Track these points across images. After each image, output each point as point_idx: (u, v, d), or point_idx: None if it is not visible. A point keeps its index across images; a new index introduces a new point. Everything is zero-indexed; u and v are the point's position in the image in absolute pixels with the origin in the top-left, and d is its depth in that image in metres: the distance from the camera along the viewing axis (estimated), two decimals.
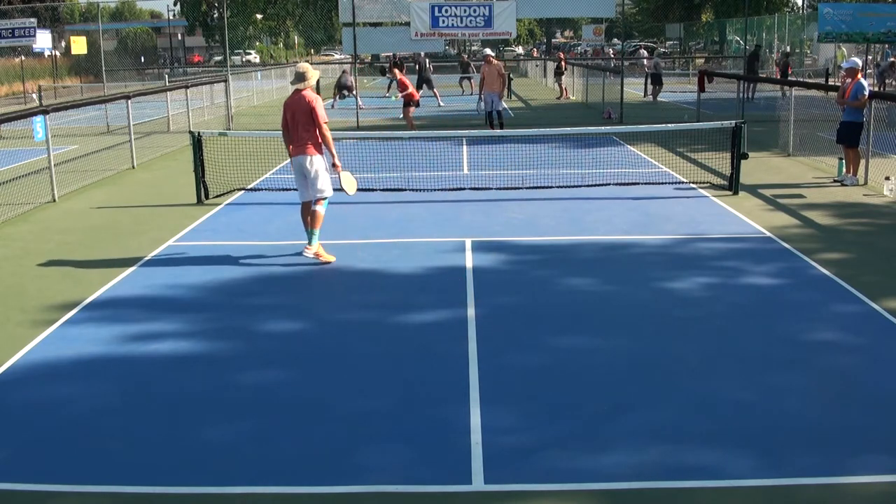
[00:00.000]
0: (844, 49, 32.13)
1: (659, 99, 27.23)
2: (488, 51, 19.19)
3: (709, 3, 59.42)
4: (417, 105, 18.75)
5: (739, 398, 4.97)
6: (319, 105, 7.92)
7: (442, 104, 25.94)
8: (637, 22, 72.43)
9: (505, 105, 17.64)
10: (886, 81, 27.24)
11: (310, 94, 7.91)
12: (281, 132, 8.17)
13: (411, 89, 18.73)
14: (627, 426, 4.64)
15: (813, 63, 39.59)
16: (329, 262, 7.94)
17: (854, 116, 11.66)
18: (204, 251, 8.59)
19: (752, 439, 4.46)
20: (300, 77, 7.88)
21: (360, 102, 23.09)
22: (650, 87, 27.97)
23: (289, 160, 8.23)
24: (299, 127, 7.89)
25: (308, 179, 7.98)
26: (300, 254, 7.98)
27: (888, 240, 8.84)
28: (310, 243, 7.94)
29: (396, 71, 19.54)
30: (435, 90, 27.26)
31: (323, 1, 59.38)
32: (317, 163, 7.94)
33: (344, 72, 26.37)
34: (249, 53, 66.45)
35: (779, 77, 26.46)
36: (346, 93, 24.87)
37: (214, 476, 4.20)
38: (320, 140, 7.96)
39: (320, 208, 7.99)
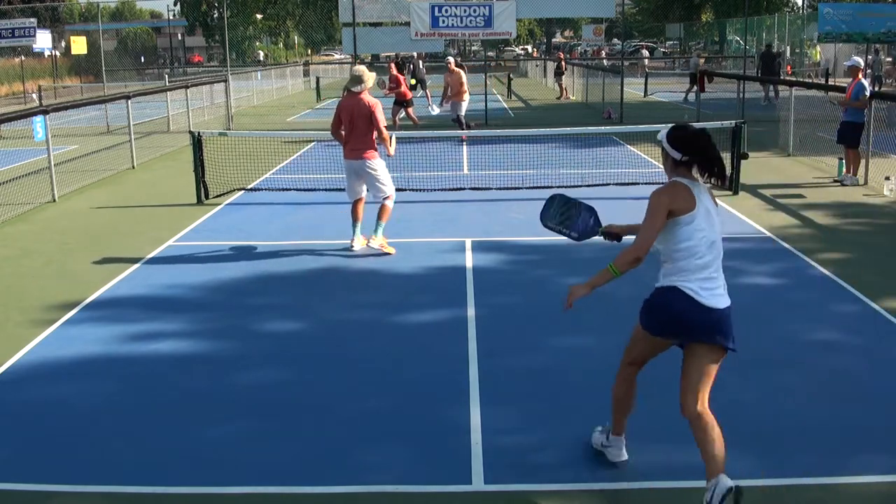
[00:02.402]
0: (819, 48, 32.22)
1: (658, 99, 27.24)
2: (450, 58, 18.52)
3: (709, 3, 59.43)
4: (410, 104, 18.67)
5: (739, 398, 4.97)
6: (379, 109, 8.03)
7: (436, 110, 25.80)
8: (637, 22, 72.42)
9: (461, 112, 17.03)
10: (886, 81, 27.23)
11: (369, 98, 8.02)
12: (331, 131, 8.29)
13: (404, 87, 18.66)
14: (627, 426, 4.63)
15: (812, 63, 39.58)
16: (390, 254, 8.16)
17: (855, 117, 11.67)
18: (204, 251, 8.59)
19: (752, 439, 4.46)
20: (357, 80, 7.97)
21: None
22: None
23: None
24: (356, 130, 7.98)
25: (368, 182, 8.17)
26: (367, 245, 8.21)
27: (888, 240, 8.84)
28: (375, 233, 8.17)
29: (394, 66, 19.46)
30: (428, 91, 27.17)
31: (323, 1, 59.41)
32: (376, 166, 8.10)
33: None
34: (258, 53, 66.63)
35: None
36: None
37: (214, 476, 4.20)
38: (377, 142, 8.10)
39: (389, 203, 8.23)
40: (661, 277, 4.12)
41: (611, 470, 4.18)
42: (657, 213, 3.88)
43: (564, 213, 4.60)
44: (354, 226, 8.40)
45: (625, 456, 4.28)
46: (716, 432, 3.83)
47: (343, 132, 8.08)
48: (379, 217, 8.20)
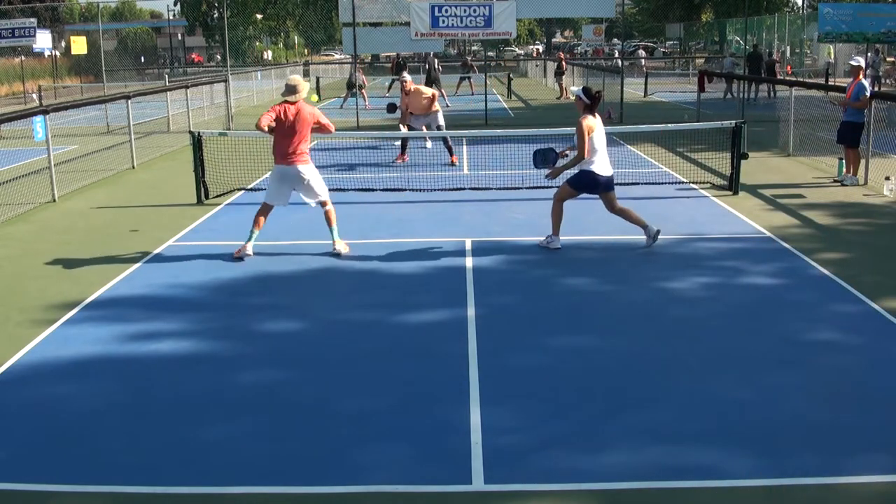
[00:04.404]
0: (831, 48, 32.18)
1: (659, 99, 27.25)
2: (406, 75, 14.69)
3: (709, 3, 59.43)
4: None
5: (739, 398, 4.97)
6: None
7: (449, 104, 25.44)
8: (637, 22, 72.46)
9: (441, 122, 14.15)
10: (886, 81, 27.20)
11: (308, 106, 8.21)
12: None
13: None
14: (627, 426, 4.64)
15: (813, 63, 39.61)
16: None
17: (855, 117, 11.67)
18: (204, 251, 8.59)
19: (751, 439, 4.46)
20: (292, 90, 8.06)
21: (366, 103, 22.96)
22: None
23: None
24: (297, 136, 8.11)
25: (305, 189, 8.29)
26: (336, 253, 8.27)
27: (888, 240, 8.84)
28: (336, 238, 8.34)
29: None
30: (442, 90, 27.03)
31: (323, 1, 59.43)
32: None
33: (352, 73, 26.17)
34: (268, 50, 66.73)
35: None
36: (355, 91, 24.52)
37: (215, 476, 4.20)
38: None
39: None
40: (583, 165, 8.02)
41: (610, 470, 4.18)
42: (584, 133, 7.89)
43: (546, 159, 8.52)
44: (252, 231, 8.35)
45: (559, 244, 8.31)
46: (632, 213, 8.31)
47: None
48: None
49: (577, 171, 8.12)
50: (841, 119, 11.96)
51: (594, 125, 7.98)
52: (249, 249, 8.24)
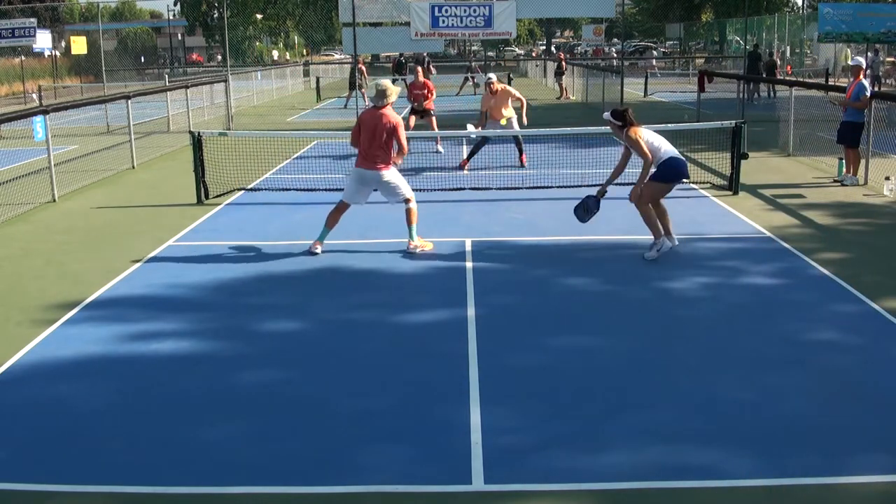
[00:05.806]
0: (848, 51, 32.13)
1: (659, 99, 27.26)
2: (492, 76, 14.81)
3: (709, 3, 59.44)
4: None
5: (739, 398, 4.98)
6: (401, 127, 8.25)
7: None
8: (637, 22, 72.47)
9: (517, 128, 13.98)
10: (886, 81, 27.18)
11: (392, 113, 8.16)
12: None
13: (430, 100, 15.81)
14: (627, 426, 4.64)
15: (813, 63, 39.61)
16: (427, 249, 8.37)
17: (855, 117, 11.67)
18: (204, 251, 8.59)
19: (752, 439, 4.46)
20: (381, 95, 8.06)
21: (367, 102, 22.92)
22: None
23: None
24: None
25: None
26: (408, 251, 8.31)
27: (888, 240, 8.84)
28: (411, 238, 8.38)
29: (420, 69, 17.54)
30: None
31: (323, 1, 59.43)
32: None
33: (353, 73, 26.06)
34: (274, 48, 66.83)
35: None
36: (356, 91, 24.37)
37: (214, 476, 4.20)
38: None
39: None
40: (660, 160, 7.84)
41: (610, 470, 4.18)
42: (639, 141, 7.82)
43: (588, 209, 8.36)
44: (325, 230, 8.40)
45: (669, 245, 8.01)
46: (666, 216, 8.10)
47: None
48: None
49: (657, 167, 7.83)
50: (841, 119, 11.97)
51: (640, 131, 7.90)
52: (319, 248, 8.31)
